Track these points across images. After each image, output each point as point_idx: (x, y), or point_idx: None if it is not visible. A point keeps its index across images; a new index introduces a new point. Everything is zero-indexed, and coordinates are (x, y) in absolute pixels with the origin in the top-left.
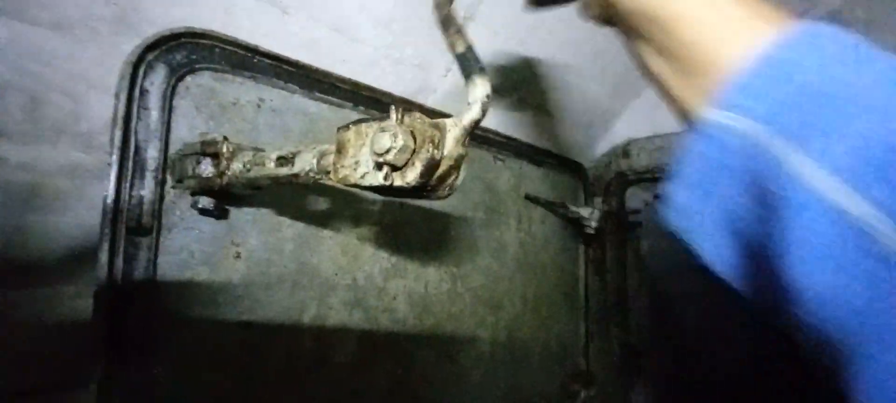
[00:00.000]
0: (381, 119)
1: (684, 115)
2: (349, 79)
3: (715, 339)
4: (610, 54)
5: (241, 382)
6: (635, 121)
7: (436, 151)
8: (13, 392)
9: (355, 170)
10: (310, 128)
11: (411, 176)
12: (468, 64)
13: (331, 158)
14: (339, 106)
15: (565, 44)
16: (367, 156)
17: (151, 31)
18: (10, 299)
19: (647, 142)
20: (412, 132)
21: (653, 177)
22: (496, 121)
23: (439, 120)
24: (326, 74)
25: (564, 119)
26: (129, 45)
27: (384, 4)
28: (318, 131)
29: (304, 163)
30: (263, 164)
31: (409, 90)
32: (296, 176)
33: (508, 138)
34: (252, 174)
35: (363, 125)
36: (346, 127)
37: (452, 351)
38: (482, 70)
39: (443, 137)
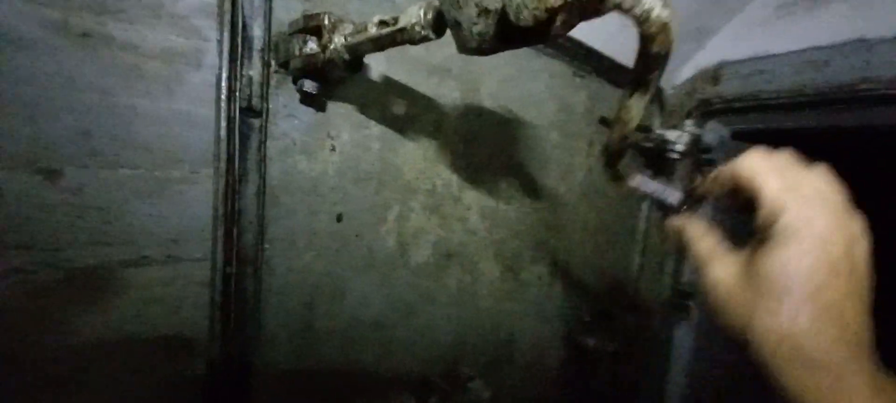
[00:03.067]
0: None
1: None
2: None
3: None
4: None
5: (332, 266)
6: (732, 42)
7: None
8: (131, 260)
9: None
10: None
11: None
12: None
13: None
14: None
15: None
16: None
17: None
18: (121, 177)
19: (743, 65)
20: None
21: (742, 108)
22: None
23: None
24: None
25: None
26: None
27: None
28: None
29: (411, 17)
30: (365, 30)
31: None
32: (401, 31)
33: (590, 50)
34: (354, 40)
35: None
36: None
37: (515, 267)
38: None
39: None
